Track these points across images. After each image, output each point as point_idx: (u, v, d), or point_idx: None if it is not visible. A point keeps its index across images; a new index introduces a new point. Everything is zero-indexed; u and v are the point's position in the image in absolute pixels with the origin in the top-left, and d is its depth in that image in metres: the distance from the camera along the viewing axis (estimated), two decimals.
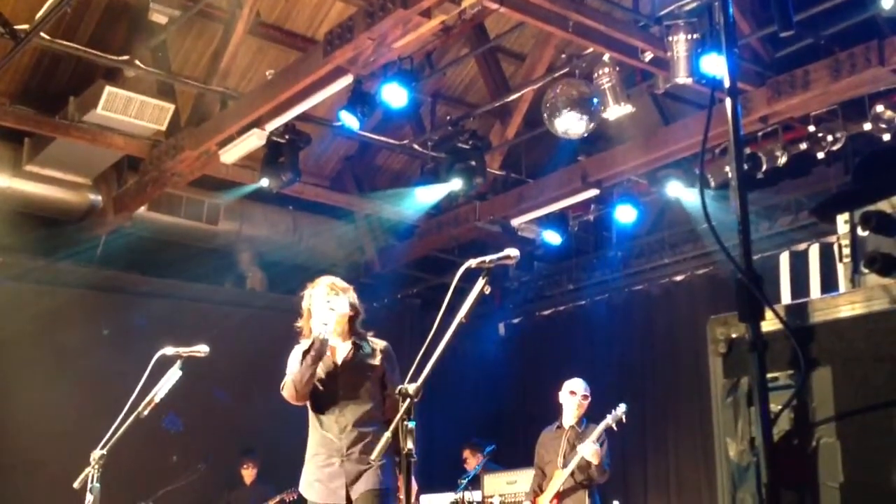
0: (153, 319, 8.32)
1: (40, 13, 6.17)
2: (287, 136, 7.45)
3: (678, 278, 9.43)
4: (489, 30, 8.07)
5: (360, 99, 6.92)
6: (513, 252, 3.22)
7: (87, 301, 8.67)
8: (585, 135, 7.07)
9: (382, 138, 8.22)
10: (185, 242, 9.13)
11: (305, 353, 4.37)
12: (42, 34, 6.23)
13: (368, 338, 4.63)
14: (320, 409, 4.48)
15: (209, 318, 8.52)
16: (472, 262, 3.13)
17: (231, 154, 7.39)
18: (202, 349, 4.44)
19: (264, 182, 7.70)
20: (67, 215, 8.52)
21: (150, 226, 8.76)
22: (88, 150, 7.82)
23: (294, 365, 4.46)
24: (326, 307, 4.41)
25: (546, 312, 10.58)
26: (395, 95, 6.89)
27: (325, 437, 4.43)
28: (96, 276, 8.78)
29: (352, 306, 4.53)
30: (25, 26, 6.20)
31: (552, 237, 8.87)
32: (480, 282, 3.12)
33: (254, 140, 7.20)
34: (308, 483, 4.51)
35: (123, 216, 8.36)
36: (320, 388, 4.46)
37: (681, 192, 8.19)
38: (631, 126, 7.60)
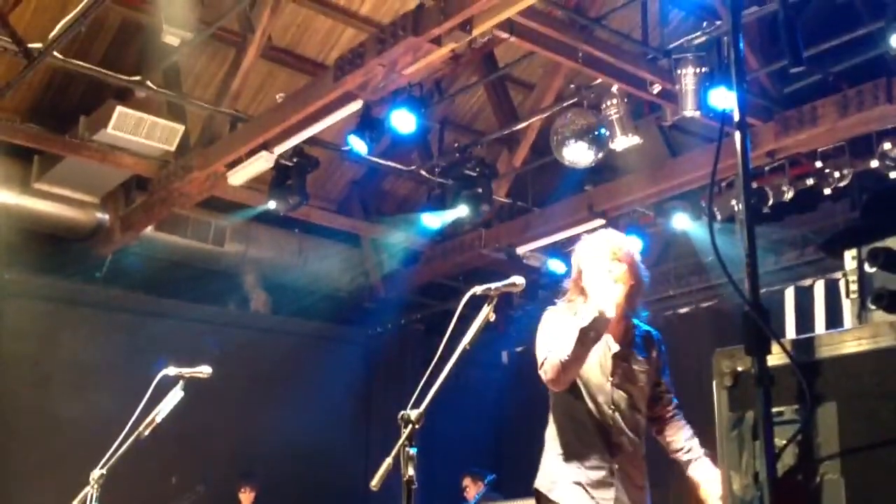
0: (157, 339, 8.31)
1: (54, 32, 6.23)
2: (295, 160, 7.49)
3: (683, 310, 9.41)
4: (499, 58, 8.12)
5: (368, 124, 6.95)
6: (518, 280, 3.21)
7: (92, 319, 8.67)
8: (592, 165, 7.09)
9: (390, 163, 8.25)
10: (190, 263, 9.15)
11: (584, 330, 3.46)
12: (55, 53, 6.27)
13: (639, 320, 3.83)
14: (589, 401, 3.62)
15: (212, 339, 8.51)
16: (478, 289, 3.12)
17: (239, 176, 7.43)
18: (204, 370, 4.42)
19: (271, 204, 7.73)
20: (75, 233, 8.55)
21: (156, 245, 8.78)
22: (97, 169, 7.86)
23: (556, 339, 3.55)
24: (608, 277, 3.58)
25: None
26: (403, 121, 6.92)
27: (589, 436, 3.61)
28: (102, 294, 8.79)
29: (635, 278, 3.66)
30: (39, 45, 6.26)
31: (558, 266, 8.86)
32: (485, 309, 3.11)
33: (262, 162, 7.23)
34: (565, 483, 3.59)
35: (130, 235, 8.39)
36: (589, 371, 3.62)
37: (687, 225, 8.19)
38: (638, 157, 7.62)
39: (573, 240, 8.75)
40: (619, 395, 3.64)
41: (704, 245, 8.33)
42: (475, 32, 5.71)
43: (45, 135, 7.60)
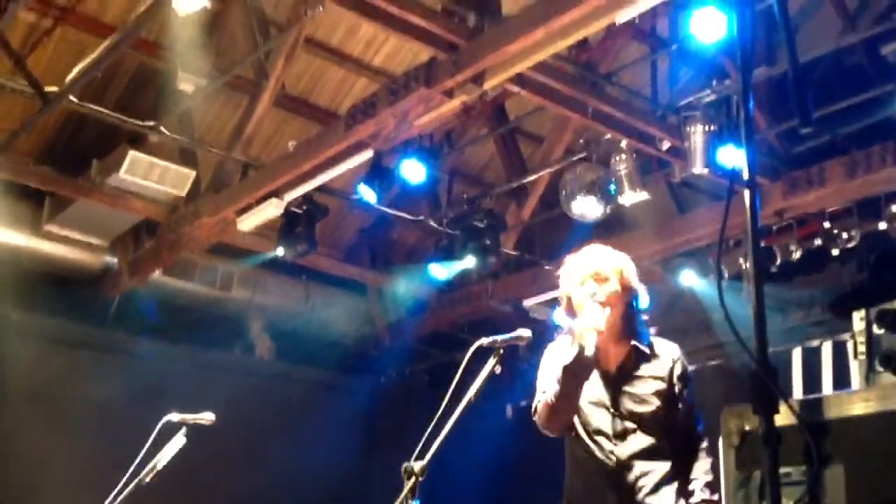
0: (161, 384, 8.28)
1: (70, 76, 6.32)
2: (304, 207, 7.53)
3: (689, 368, 9.34)
4: (509, 111, 8.19)
5: (378, 173, 7.00)
6: (524, 333, 3.19)
7: (98, 362, 8.66)
8: (601, 219, 7.11)
9: (399, 213, 8.28)
10: (197, 308, 9.15)
11: (567, 368, 3.23)
12: (70, 97, 6.35)
13: (653, 338, 3.48)
14: (586, 439, 3.34)
15: (217, 385, 8.47)
16: (484, 341, 3.10)
17: (248, 222, 7.46)
18: (207, 417, 4.41)
19: (280, 251, 7.75)
20: (83, 276, 8.57)
21: (163, 290, 8.79)
22: (108, 213, 7.90)
23: (550, 378, 3.33)
24: (591, 302, 3.30)
25: None
26: (413, 172, 6.97)
27: (593, 475, 3.33)
28: (108, 337, 8.78)
29: (626, 294, 3.37)
30: (55, 88, 6.34)
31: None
32: (491, 361, 3.10)
33: (272, 209, 7.27)
34: None
35: (138, 279, 8.41)
36: (586, 407, 3.35)
37: (694, 281, 8.18)
38: (646, 213, 7.64)
39: None
40: (628, 426, 3.32)
41: (712, 302, 8.30)
42: (486, 86, 5.77)
43: (57, 177, 7.66)
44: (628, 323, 3.41)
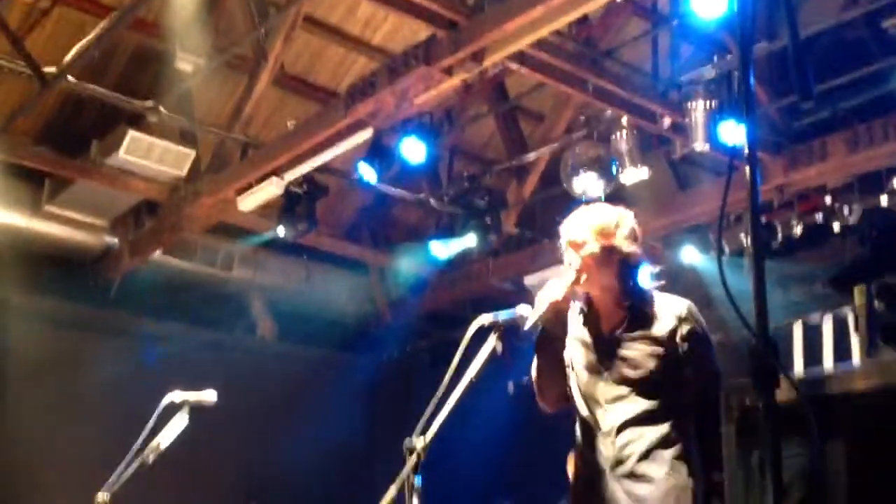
0: (163, 364, 8.30)
1: (68, 56, 6.29)
2: (305, 187, 7.52)
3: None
4: (509, 88, 8.16)
5: (378, 152, 6.98)
6: (525, 310, 3.19)
7: (99, 343, 8.67)
8: (602, 196, 7.10)
9: (399, 191, 8.27)
10: (198, 288, 9.15)
11: (534, 342, 3.27)
12: (69, 77, 6.32)
13: (656, 297, 3.29)
14: (582, 407, 3.24)
15: (218, 364, 8.49)
16: (484, 320, 3.09)
17: (249, 202, 7.45)
18: (210, 396, 4.40)
19: (280, 231, 7.75)
20: (83, 257, 8.57)
21: (164, 270, 8.79)
22: (108, 193, 7.89)
23: None
24: (569, 270, 3.20)
25: None
26: (413, 150, 6.95)
27: (589, 448, 3.22)
28: (108, 317, 8.79)
29: (610, 254, 3.18)
30: (53, 69, 6.31)
31: None
32: (492, 339, 3.10)
33: (272, 189, 7.26)
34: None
35: (139, 259, 8.41)
36: (581, 374, 3.25)
37: (695, 258, 8.18)
38: (647, 190, 7.62)
39: None
40: (621, 391, 3.17)
41: (712, 278, 8.30)
42: (486, 63, 5.74)
43: (56, 158, 7.65)
44: (622, 283, 3.21)
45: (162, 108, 7.09)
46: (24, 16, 7.04)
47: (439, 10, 5.63)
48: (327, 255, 9.34)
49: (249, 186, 7.32)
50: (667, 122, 6.53)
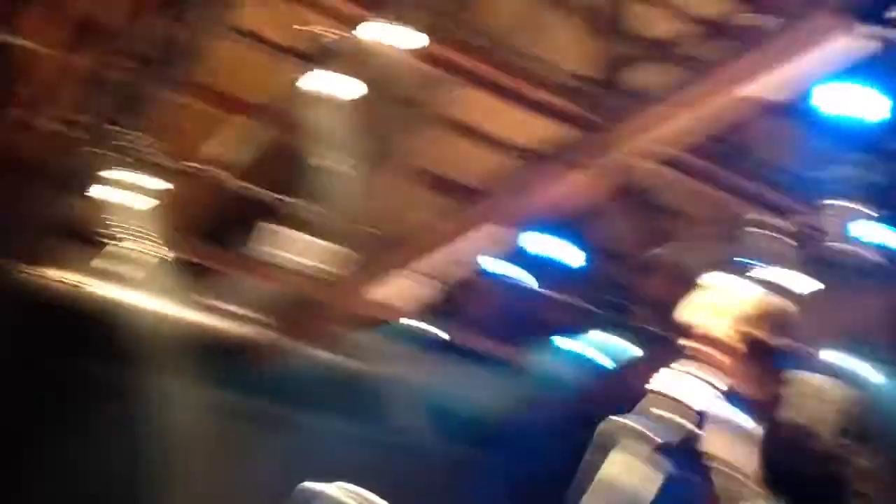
0: (302, 453, 8.41)
1: (231, 159, 6.66)
2: (449, 284, 7.59)
3: None
4: (646, 185, 7.98)
5: (519, 250, 6.99)
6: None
7: (242, 430, 8.89)
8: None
9: (539, 289, 8.19)
10: (343, 379, 9.28)
11: None
12: (224, 174, 6.67)
13: None
14: None
15: (359, 456, 8.51)
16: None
17: (395, 298, 7.58)
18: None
19: (425, 327, 7.81)
20: (230, 346, 8.85)
21: (306, 360, 8.97)
22: (263, 287, 8.19)
23: None
24: None
25: None
26: (555, 249, 6.91)
27: None
28: (253, 406, 9.02)
29: None
30: (220, 171, 6.67)
31: None
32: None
33: (411, 283, 7.36)
34: None
35: (290, 352, 8.62)
36: None
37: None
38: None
39: None
40: None
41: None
42: (622, 163, 5.71)
43: (208, 250, 8.01)
44: None
45: (315, 207, 7.35)
46: (167, 114, 7.43)
47: (579, 111, 5.67)
48: (470, 351, 9.31)
49: (389, 280, 7.45)
50: (804, 220, 6.30)
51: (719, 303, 2.75)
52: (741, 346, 2.68)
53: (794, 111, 6.70)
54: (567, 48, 7.26)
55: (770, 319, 2.73)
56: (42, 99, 6.58)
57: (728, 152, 6.25)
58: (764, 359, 2.71)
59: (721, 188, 6.18)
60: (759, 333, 2.70)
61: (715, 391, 2.70)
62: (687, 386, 2.75)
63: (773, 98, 6.52)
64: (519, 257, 7.08)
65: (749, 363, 2.67)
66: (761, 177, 6.31)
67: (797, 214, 6.28)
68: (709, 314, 2.73)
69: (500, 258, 7.12)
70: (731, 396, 2.79)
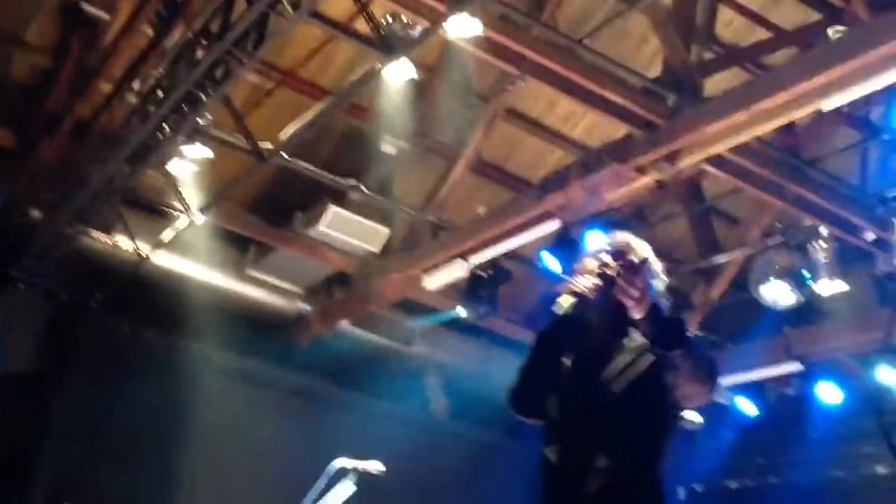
0: (336, 429, 8.56)
1: (284, 134, 6.76)
2: (489, 271, 7.66)
3: (882, 470, 8.74)
4: (705, 190, 8.03)
5: (563, 243, 7.02)
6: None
7: (282, 403, 9.06)
8: (793, 306, 6.84)
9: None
10: (378, 359, 9.40)
11: None
12: (282, 153, 6.77)
13: None
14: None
15: (389, 436, 8.65)
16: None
17: (434, 281, 7.66)
18: (377, 466, 4.46)
19: (462, 312, 7.89)
20: (277, 320, 9.02)
21: (349, 339, 9.11)
22: (305, 262, 8.33)
23: None
24: None
25: (733, 485, 10.06)
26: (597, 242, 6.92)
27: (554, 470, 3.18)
28: (295, 381, 9.18)
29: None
30: (269, 145, 6.78)
31: (747, 407, 8.49)
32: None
33: (458, 270, 7.44)
34: None
35: (327, 327, 8.76)
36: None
37: (893, 379, 7.67)
38: (844, 303, 7.28)
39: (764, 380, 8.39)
40: None
41: None
42: (681, 165, 5.72)
43: (262, 227, 8.16)
44: None
45: (363, 187, 7.46)
46: (248, 95, 7.62)
47: (637, 110, 5.68)
48: (505, 339, 9.38)
49: (436, 266, 7.53)
50: (870, 236, 6.26)
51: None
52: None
53: (872, 124, 6.68)
54: (642, 48, 7.33)
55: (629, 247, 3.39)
56: (125, 73, 6.72)
57: (796, 163, 6.23)
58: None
59: (786, 200, 6.15)
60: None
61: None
62: None
63: (851, 112, 6.52)
64: (566, 251, 7.10)
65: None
66: (830, 190, 6.28)
67: (865, 231, 6.24)
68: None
69: (546, 250, 7.16)
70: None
